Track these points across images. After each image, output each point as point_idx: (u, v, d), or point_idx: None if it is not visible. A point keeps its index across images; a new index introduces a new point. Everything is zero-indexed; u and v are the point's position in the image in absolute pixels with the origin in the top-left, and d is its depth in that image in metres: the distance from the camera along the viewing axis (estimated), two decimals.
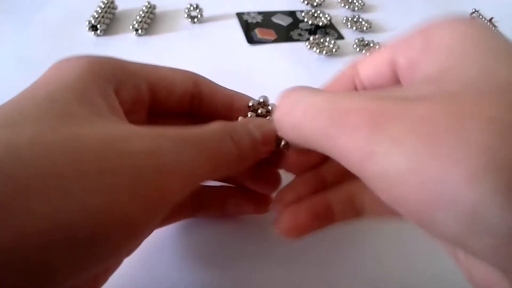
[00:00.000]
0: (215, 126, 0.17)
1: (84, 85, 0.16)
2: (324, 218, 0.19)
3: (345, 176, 0.19)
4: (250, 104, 0.21)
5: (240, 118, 0.22)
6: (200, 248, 0.23)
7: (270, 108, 0.21)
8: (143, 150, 0.14)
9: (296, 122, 0.16)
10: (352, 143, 0.13)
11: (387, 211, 0.17)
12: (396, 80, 0.18)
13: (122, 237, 0.13)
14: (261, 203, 0.24)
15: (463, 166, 0.11)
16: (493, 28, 0.15)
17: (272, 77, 0.37)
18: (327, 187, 0.20)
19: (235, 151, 0.17)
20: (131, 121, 0.18)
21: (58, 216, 0.12)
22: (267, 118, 0.22)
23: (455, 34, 0.15)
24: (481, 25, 0.15)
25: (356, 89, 0.20)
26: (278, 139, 0.20)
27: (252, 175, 0.22)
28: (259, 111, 0.22)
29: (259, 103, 0.22)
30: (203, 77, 0.22)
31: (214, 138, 0.17)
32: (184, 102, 0.21)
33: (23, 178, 0.12)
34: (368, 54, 0.20)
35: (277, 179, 0.22)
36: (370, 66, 0.19)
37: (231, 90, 0.22)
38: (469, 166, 0.11)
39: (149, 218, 0.14)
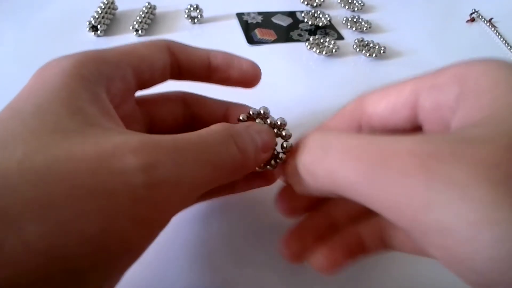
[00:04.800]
0: (218, 130, 0.16)
1: (71, 93, 0.15)
2: (356, 252, 0.18)
3: (357, 213, 0.19)
4: (251, 113, 0.21)
5: (242, 116, 0.21)
6: (200, 246, 0.23)
7: (269, 121, 0.20)
8: (137, 167, 0.13)
9: (331, 168, 0.14)
10: (402, 191, 0.12)
11: (418, 250, 0.17)
12: (413, 123, 0.17)
13: (121, 261, 0.13)
14: (267, 175, 0.23)
15: None
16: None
17: (272, 77, 0.37)
18: (338, 226, 0.19)
19: (239, 157, 0.16)
20: (123, 111, 0.17)
21: (55, 250, 0.11)
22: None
23: (491, 78, 0.14)
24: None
25: (360, 129, 0.19)
26: (275, 152, 0.19)
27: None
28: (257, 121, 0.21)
29: (259, 113, 0.21)
30: (175, 42, 0.21)
31: (217, 144, 0.16)
32: (164, 74, 0.20)
33: (16, 212, 0.11)
34: (376, 90, 0.19)
35: (272, 177, 0.22)
36: (383, 104, 0.18)
37: (205, 49, 0.22)
38: None
39: (147, 237, 0.14)
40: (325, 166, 0.14)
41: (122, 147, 0.13)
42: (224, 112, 0.23)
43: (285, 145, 0.20)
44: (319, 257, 0.18)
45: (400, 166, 0.12)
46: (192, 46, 0.21)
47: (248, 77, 0.22)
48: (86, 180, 0.12)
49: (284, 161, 0.19)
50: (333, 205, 0.20)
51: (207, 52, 0.21)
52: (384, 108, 0.18)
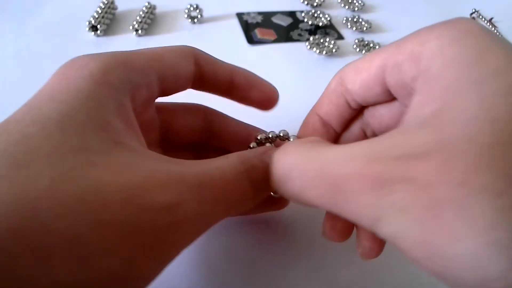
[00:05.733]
0: (236, 164, 0.16)
1: (98, 103, 0.15)
2: None
3: None
4: (270, 136, 0.20)
5: (252, 144, 0.21)
6: (208, 251, 0.23)
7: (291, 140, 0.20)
8: (163, 205, 0.14)
9: (295, 192, 0.15)
10: (358, 209, 0.13)
11: None
12: (388, 95, 0.18)
13: None
14: (279, 200, 0.23)
15: (468, 243, 0.11)
16: (487, 35, 0.14)
17: (272, 77, 0.36)
18: None
19: (250, 193, 0.17)
20: (143, 119, 0.17)
21: (80, 283, 0.12)
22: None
23: (443, 58, 0.14)
24: (473, 39, 0.14)
25: (349, 105, 0.20)
26: None
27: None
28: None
29: (278, 136, 0.20)
30: (202, 52, 0.21)
31: (233, 182, 0.16)
32: (187, 83, 0.20)
33: (46, 248, 0.11)
34: (350, 65, 0.19)
35: (284, 201, 0.22)
36: (359, 83, 0.18)
37: (230, 65, 0.22)
38: (474, 243, 0.11)
39: (160, 270, 0.14)
40: (289, 190, 0.16)
41: (151, 181, 0.14)
42: (246, 136, 0.23)
43: None
44: (366, 248, 0.18)
45: (353, 189, 0.13)
46: (217, 59, 0.21)
47: (267, 100, 0.22)
48: (114, 215, 0.12)
49: None
50: None
51: (232, 68, 0.22)
52: (359, 86, 0.18)
